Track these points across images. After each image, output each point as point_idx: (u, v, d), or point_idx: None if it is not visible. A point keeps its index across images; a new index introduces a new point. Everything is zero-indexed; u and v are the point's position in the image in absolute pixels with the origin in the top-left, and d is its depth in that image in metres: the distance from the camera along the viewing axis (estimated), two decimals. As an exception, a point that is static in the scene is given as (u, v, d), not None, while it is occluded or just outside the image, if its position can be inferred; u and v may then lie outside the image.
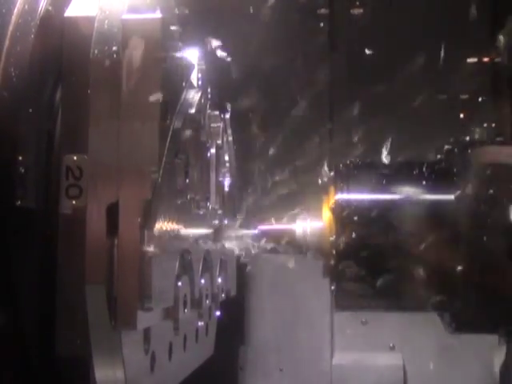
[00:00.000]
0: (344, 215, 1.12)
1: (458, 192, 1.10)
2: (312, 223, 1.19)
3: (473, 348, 1.79)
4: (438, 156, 1.21)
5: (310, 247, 1.18)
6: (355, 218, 1.11)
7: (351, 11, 1.94)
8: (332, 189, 1.16)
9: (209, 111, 1.24)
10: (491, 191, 1.10)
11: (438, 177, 1.15)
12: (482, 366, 1.82)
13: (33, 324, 0.88)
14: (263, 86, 1.89)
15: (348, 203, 1.13)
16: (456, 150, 1.17)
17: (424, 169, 1.15)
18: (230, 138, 1.45)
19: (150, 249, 0.85)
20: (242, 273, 1.74)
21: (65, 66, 0.88)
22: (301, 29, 1.91)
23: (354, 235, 1.10)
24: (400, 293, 1.15)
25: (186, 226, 1.06)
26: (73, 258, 0.86)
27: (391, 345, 1.85)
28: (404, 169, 1.18)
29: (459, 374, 1.83)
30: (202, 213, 1.18)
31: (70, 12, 0.89)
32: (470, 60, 1.92)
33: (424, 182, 1.14)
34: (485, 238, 1.10)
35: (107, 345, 0.84)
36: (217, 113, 1.32)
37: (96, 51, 0.85)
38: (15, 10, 0.88)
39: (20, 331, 0.87)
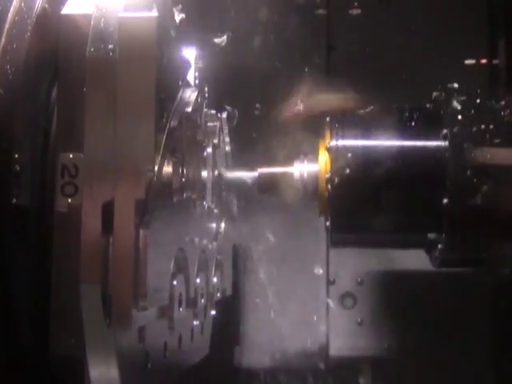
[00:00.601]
0: (338, 154, 1.15)
1: (444, 131, 1.14)
2: (309, 165, 1.23)
3: (460, 347, 1.79)
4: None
5: (307, 187, 1.21)
6: (349, 156, 1.14)
7: (349, 12, 1.94)
8: (328, 133, 1.19)
9: (205, 110, 1.24)
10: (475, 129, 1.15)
11: (427, 122, 1.19)
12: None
13: (27, 323, 0.88)
14: (260, 86, 1.89)
15: (343, 141, 1.17)
16: (443, 95, 1.22)
17: (414, 114, 1.20)
18: (227, 138, 1.45)
19: (145, 247, 0.85)
20: (238, 272, 1.75)
21: (61, 64, 0.88)
22: (298, 29, 1.91)
23: (348, 171, 1.13)
24: (391, 228, 1.18)
25: (181, 225, 1.06)
26: (68, 257, 0.86)
27: (386, 346, 1.86)
28: (395, 114, 1.22)
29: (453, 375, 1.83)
30: (197, 212, 1.18)
31: (66, 10, 0.89)
32: (468, 61, 1.92)
33: (414, 127, 1.18)
34: (468, 180, 1.12)
35: (101, 344, 0.83)
36: (213, 112, 1.32)
37: (92, 49, 0.85)
38: (11, 8, 0.88)
39: (14, 330, 0.87)
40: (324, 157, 1.18)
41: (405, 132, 1.19)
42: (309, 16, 1.92)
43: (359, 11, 1.94)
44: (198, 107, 1.14)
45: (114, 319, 0.83)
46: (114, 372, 0.84)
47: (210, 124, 1.29)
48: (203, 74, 1.24)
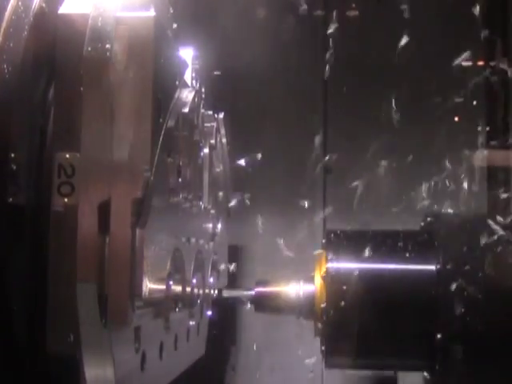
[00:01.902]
0: (334, 284, 1.18)
1: (438, 264, 1.18)
2: (305, 286, 1.26)
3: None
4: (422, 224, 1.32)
5: (302, 310, 1.24)
6: (344, 288, 1.17)
7: (347, 13, 1.95)
8: (323, 256, 1.23)
9: (202, 110, 1.24)
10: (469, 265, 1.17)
11: (420, 247, 1.23)
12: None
13: (23, 322, 0.88)
14: (257, 87, 1.90)
15: (338, 272, 1.19)
16: (435, 222, 1.26)
17: (407, 240, 1.23)
18: (224, 139, 1.45)
19: (142, 247, 0.85)
20: (234, 273, 1.75)
21: (58, 63, 0.88)
22: (296, 31, 1.92)
23: (343, 304, 1.16)
24: (385, 355, 1.24)
25: (178, 225, 1.06)
26: (64, 256, 0.85)
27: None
28: (389, 239, 1.25)
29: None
30: (194, 212, 1.18)
31: (63, 9, 0.89)
32: (465, 63, 1.92)
33: (407, 253, 1.22)
34: (461, 310, 1.16)
35: (97, 343, 0.83)
36: (210, 112, 1.32)
37: (89, 48, 0.85)
38: (9, 7, 0.88)
39: (10, 329, 0.87)
40: (319, 281, 1.21)
41: (399, 262, 1.22)
42: (306, 17, 1.92)
43: (356, 13, 1.95)
44: (195, 107, 1.14)
45: (110, 319, 0.83)
46: (109, 371, 0.84)
47: (206, 124, 1.29)
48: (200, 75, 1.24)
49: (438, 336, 1.16)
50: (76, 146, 0.85)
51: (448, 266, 1.19)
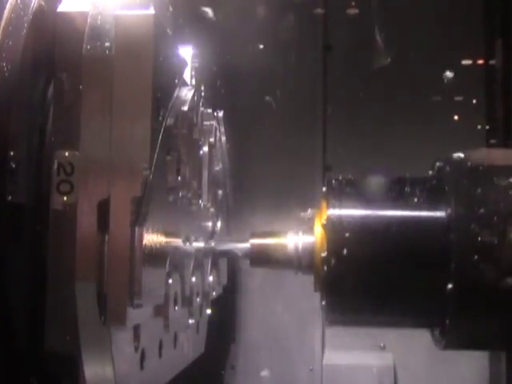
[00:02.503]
0: (335, 231, 1.07)
1: (449, 210, 1.07)
2: (304, 237, 1.14)
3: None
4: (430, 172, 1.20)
5: (301, 262, 1.13)
6: (347, 235, 1.06)
7: (347, 12, 1.95)
8: (324, 204, 1.10)
9: (202, 109, 1.24)
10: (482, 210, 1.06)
11: (430, 194, 1.11)
12: (472, 366, 1.83)
13: (22, 320, 0.88)
14: (256, 85, 1.89)
15: (340, 220, 1.07)
16: (447, 167, 1.13)
17: (415, 185, 1.12)
18: (224, 137, 1.45)
19: (141, 246, 0.85)
20: (234, 271, 1.75)
21: (57, 62, 0.88)
22: (295, 28, 1.91)
23: (345, 253, 1.05)
24: (391, 310, 1.11)
25: (177, 224, 1.06)
26: (63, 254, 0.85)
27: (382, 345, 1.86)
28: (396, 185, 1.12)
29: (449, 374, 1.83)
30: (193, 210, 1.18)
31: (62, 7, 0.89)
32: (465, 62, 1.92)
33: (415, 199, 1.10)
34: (475, 258, 1.04)
35: (97, 342, 0.83)
36: (209, 111, 1.32)
37: (89, 47, 0.85)
38: (7, 5, 0.88)
39: (9, 327, 0.86)
40: (320, 230, 1.10)
41: (407, 208, 1.10)
42: (306, 15, 1.92)
43: (357, 11, 1.94)
44: (194, 106, 1.13)
45: (109, 317, 0.83)
46: (109, 370, 0.84)
47: (206, 123, 1.29)
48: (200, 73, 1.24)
49: (450, 286, 1.04)
50: (75, 144, 0.85)
51: (460, 211, 1.06)
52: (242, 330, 1.90)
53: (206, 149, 1.28)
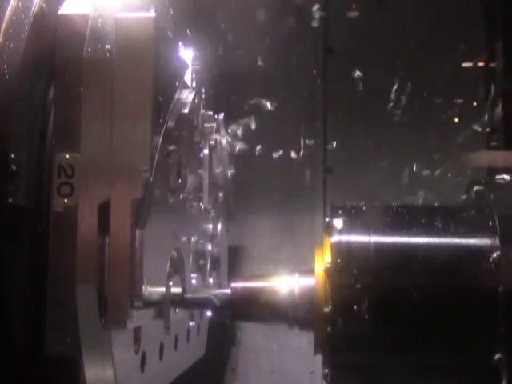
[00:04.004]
0: (343, 280, 0.81)
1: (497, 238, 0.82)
2: (301, 280, 0.88)
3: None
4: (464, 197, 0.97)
5: (298, 314, 0.87)
6: (358, 286, 0.80)
7: (347, 14, 1.95)
8: (327, 239, 0.85)
9: (202, 111, 1.24)
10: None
11: (472, 221, 0.87)
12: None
13: (23, 322, 0.88)
14: (257, 86, 1.89)
15: (349, 262, 0.81)
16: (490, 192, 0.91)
17: (452, 215, 0.88)
18: (224, 139, 1.45)
19: (141, 248, 0.85)
20: (234, 272, 1.74)
21: (58, 64, 0.88)
22: (296, 31, 1.92)
23: (357, 307, 0.79)
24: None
25: (177, 226, 1.06)
26: (64, 257, 0.85)
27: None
28: (424, 214, 0.88)
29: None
30: (194, 212, 1.18)
31: (63, 10, 0.89)
32: (465, 64, 1.92)
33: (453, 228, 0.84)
34: None
35: (97, 344, 0.83)
36: (210, 113, 1.32)
37: (89, 49, 0.85)
38: (8, 7, 0.88)
39: (10, 329, 0.87)
40: (322, 274, 0.84)
41: (450, 239, 0.84)
42: (306, 18, 1.92)
43: (357, 13, 1.94)
44: (194, 108, 1.14)
45: (110, 319, 0.83)
46: (109, 372, 0.84)
47: (206, 125, 1.29)
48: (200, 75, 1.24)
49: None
50: (76, 146, 0.85)
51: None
52: (243, 332, 1.90)
53: (206, 151, 1.28)
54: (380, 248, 0.82)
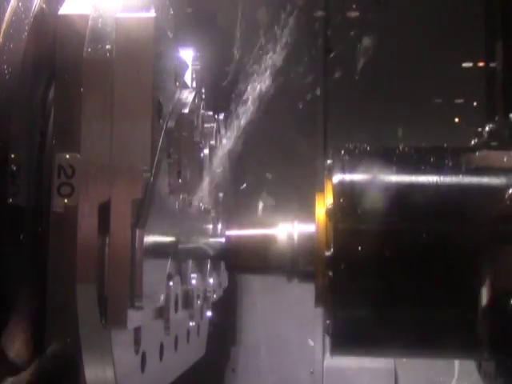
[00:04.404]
0: (346, 220, 0.74)
1: None
2: (301, 228, 0.81)
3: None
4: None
5: (297, 264, 0.81)
6: (362, 228, 0.73)
7: (347, 14, 1.95)
8: (329, 182, 0.78)
9: (202, 111, 1.24)
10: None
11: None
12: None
13: (23, 322, 0.88)
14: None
15: (353, 202, 0.74)
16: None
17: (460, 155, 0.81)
18: (224, 139, 1.45)
19: (141, 248, 0.85)
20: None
21: (58, 64, 0.88)
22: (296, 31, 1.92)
23: (361, 249, 0.72)
24: (427, 330, 0.77)
25: (178, 226, 1.06)
26: (64, 257, 0.85)
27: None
28: (428, 154, 0.80)
29: (449, 376, 1.83)
30: (194, 213, 1.18)
31: (63, 10, 0.89)
32: (465, 64, 1.92)
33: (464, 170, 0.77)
34: None
35: (97, 344, 0.83)
36: (210, 113, 1.32)
37: (89, 49, 0.85)
38: (9, 8, 0.88)
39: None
40: (323, 218, 0.76)
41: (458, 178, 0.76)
42: (307, 18, 1.92)
43: (357, 14, 1.94)
44: (194, 108, 1.13)
45: (110, 319, 0.83)
46: (109, 372, 0.84)
47: (206, 125, 1.29)
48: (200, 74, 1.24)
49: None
50: (76, 146, 0.85)
51: None
52: (243, 332, 1.90)
53: (206, 151, 1.28)
54: (387, 187, 0.74)
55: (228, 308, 1.76)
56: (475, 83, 1.91)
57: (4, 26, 0.87)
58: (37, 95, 0.90)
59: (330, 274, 0.75)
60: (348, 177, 0.77)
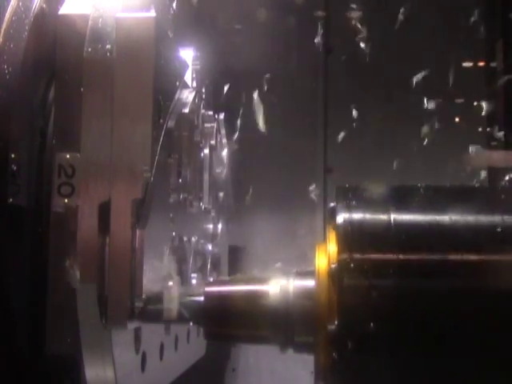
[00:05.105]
0: (355, 279, 0.59)
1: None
2: (298, 284, 0.67)
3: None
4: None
5: (293, 331, 0.67)
6: (377, 291, 0.58)
7: (347, 14, 1.95)
8: (332, 232, 0.65)
9: (203, 111, 1.24)
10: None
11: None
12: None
13: (23, 322, 0.88)
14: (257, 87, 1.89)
15: (363, 258, 0.59)
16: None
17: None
18: (224, 139, 1.45)
19: (142, 248, 0.85)
20: (235, 273, 1.74)
21: (58, 64, 0.88)
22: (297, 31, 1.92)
23: (374, 321, 0.57)
24: None
25: (178, 226, 1.06)
26: (64, 257, 0.85)
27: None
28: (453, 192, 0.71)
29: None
30: (194, 212, 1.18)
31: (64, 10, 0.89)
32: (465, 64, 1.92)
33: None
34: None
35: (98, 344, 0.83)
36: (210, 113, 1.32)
37: (90, 49, 0.85)
38: (9, 7, 0.88)
39: (10, 330, 0.87)
40: (325, 277, 0.62)
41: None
42: (307, 18, 1.92)
43: (357, 13, 1.94)
44: (195, 108, 1.14)
45: (110, 319, 0.83)
46: (110, 372, 0.84)
47: (206, 125, 1.29)
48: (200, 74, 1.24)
49: None
50: (76, 146, 0.85)
51: None
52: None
53: (206, 151, 1.28)
54: (404, 230, 0.58)
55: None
56: (475, 82, 1.91)
57: (4, 25, 0.87)
58: (37, 95, 0.91)
59: (334, 354, 0.60)
60: (356, 216, 0.60)
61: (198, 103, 1.17)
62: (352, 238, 0.60)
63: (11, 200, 0.85)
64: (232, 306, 0.69)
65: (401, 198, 0.67)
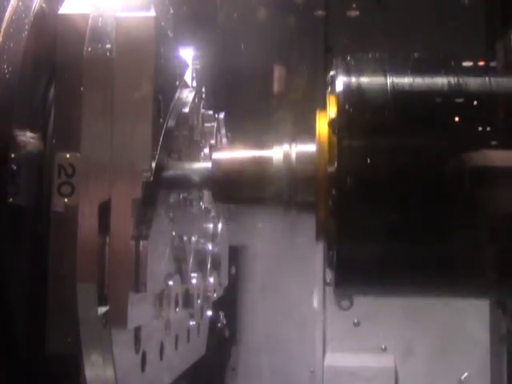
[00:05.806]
0: (354, 130, 0.62)
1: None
2: (299, 147, 0.70)
3: (465, 349, 1.79)
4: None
5: (296, 188, 0.69)
6: (374, 138, 0.60)
7: (347, 14, 1.95)
8: (331, 98, 0.67)
9: (202, 110, 1.24)
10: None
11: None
12: (472, 368, 1.83)
13: (23, 322, 0.88)
14: (257, 86, 1.89)
15: (362, 109, 0.62)
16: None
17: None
18: (224, 139, 1.45)
19: (142, 248, 0.85)
20: (235, 272, 1.75)
21: (58, 64, 0.89)
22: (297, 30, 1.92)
23: (370, 164, 0.60)
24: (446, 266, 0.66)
25: (178, 226, 1.06)
26: (64, 256, 0.85)
27: (383, 347, 1.86)
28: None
29: (449, 376, 1.83)
30: (194, 212, 1.18)
31: (63, 9, 0.89)
32: (465, 64, 1.92)
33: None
34: None
35: (98, 343, 0.83)
36: (210, 112, 1.32)
37: (89, 49, 0.85)
38: (9, 7, 0.88)
39: (11, 329, 0.87)
40: (325, 133, 0.65)
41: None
42: (307, 17, 1.92)
43: (357, 13, 1.95)
44: (195, 108, 1.13)
45: (110, 319, 0.83)
46: (110, 371, 0.84)
47: (207, 124, 1.29)
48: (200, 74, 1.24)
49: None
50: (76, 146, 0.85)
51: None
52: (243, 331, 1.90)
53: (206, 151, 1.28)
54: (400, 91, 0.60)
55: (228, 307, 1.76)
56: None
57: (4, 25, 0.87)
58: (37, 94, 0.91)
59: (331, 202, 0.62)
60: (355, 80, 0.63)
61: (197, 103, 1.17)
62: (351, 93, 0.63)
63: (11, 200, 0.85)
64: (238, 170, 0.73)
65: (397, 62, 0.70)
